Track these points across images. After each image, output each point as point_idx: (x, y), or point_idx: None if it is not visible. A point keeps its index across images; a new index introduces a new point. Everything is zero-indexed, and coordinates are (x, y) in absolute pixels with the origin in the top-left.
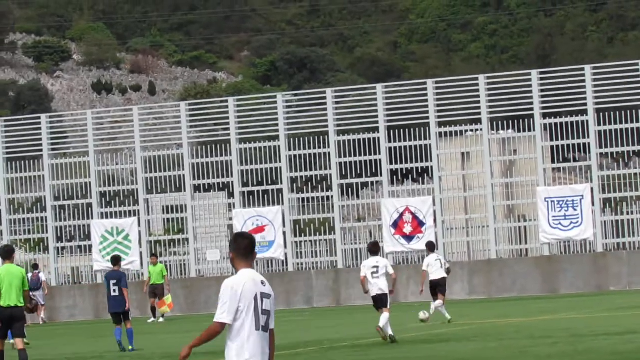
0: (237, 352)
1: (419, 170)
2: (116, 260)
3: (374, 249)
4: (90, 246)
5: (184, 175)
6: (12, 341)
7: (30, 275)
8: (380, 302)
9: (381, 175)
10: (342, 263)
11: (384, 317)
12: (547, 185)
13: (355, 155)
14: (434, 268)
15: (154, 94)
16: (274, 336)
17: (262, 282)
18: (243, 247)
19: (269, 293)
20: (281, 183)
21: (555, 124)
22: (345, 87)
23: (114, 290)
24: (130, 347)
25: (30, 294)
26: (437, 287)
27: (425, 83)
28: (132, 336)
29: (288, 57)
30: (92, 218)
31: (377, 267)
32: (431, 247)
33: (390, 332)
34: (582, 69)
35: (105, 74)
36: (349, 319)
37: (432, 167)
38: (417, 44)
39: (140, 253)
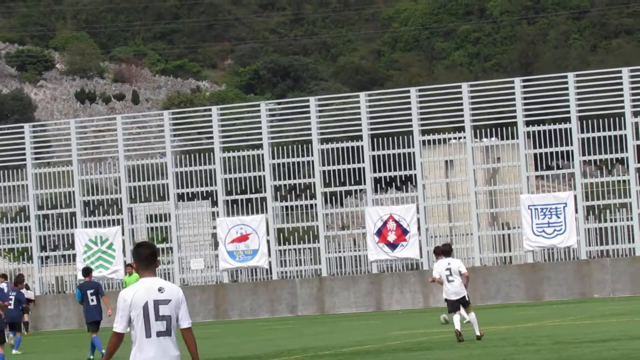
0: (132, 357)
1: (403, 178)
2: (87, 272)
3: (447, 249)
4: (74, 255)
5: (167, 184)
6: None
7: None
8: (456, 306)
9: (365, 184)
10: (326, 271)
11: (457, 319)
12: (531, 192)
13: (339, 164)
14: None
15: (137, 102)
16: (190, 334)
17: (160, 289)
18: (144, 257)
19: (167, 299)
20: (265, 191)
21: (539, 131)
22: (329, 95)
23: (92, 300)
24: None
25: None
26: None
27: (408, 91)
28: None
29: (271, 65)
30: (76, 227)
31: (450, 268)
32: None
33: (477, 332)
34: (565, 77)
35: (89, 83)
36: (333, 327)
37: (415, 175)
38: (401, 52)
39: (125, 262)
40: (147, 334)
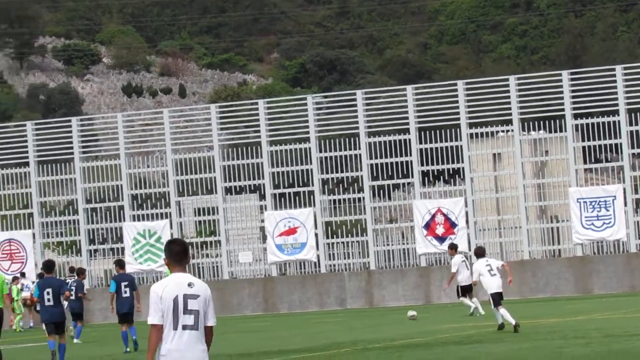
0: (160, 350)
1: (451, 172)
2: (121, 264)
3: (481, 251)
4: (123, 248)
5: (215, 178)
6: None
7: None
8: (499, 299)
9: (413, 177)
10: (374, 264)
11: (506, 311)
12: (579, 186)
13: (386, 157)
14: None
15: (184, 96)
16: (211, 333)
17: (190, 284)
18: (175, 253)
19: (196, 294)
20: (312, 185)
21: (587, 124)
22: (376, 88)
23: (125, 292)
24: (128, 349)
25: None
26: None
27: (455, 84)
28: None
29: (318, 59)
30: (124, 220)
31: (490, 265)
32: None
33: (513, 320)
34: (613, 69)
35: (135, 76)
36: (382, 320)
37: (463, 168)
38: (447, 45)
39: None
40: (174, 327)
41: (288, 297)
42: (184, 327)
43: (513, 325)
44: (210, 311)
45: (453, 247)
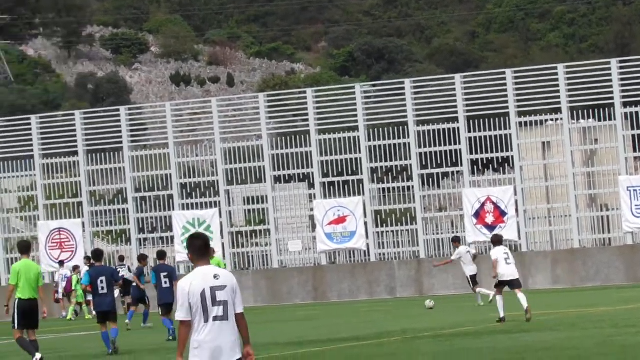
0: (192, 343)
1: (500, 160)
2: (162, 255)
3: (499, 239)
4: (172, 237)
5: (264, 167)
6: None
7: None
8: (515, 284)
9: (462, 165)
10: (424, 253)
11: (523, 297)
12: (629, 174)
13: (435, 145)
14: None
15: (232, 85)
16: (243, 319)
17: (215, 276)
18: (198, 247)
19: (223, 285)
20: (361, 173)
21: (636, 112)
22: (424, 77)
23: (165, 282)
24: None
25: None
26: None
27: (504, 73)
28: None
29: (366, 47)
30: (174, 209)
31: (507, 253)
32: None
33: (526, 304)
34: None
35: (184, 65)
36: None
37: (512, 156)
38: (495, 34)
39: (222, 244)
40: (205, 319)
41: (338, 286)
42: (215, 319)
43: (525, 309)
44: (238, 299)
45: (457, 240)
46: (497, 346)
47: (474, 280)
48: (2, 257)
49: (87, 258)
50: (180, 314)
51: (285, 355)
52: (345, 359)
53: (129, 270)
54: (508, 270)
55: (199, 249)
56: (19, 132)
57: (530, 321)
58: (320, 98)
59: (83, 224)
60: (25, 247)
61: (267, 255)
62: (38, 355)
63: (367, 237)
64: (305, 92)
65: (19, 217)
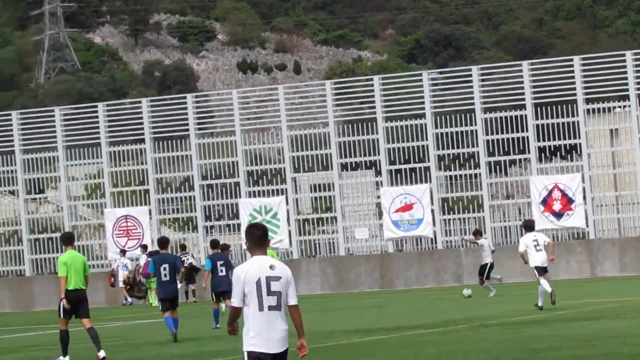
0: (245, 331)
1: (567, 148)
2: (216, 244)
3: (530, 224)
4: (239, 225)
5: (330, 154)
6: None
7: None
8: (543, 270)
9: (529, 153)
10: (491, 240)
11: (546, 282)
12: None
13: (502, 133)
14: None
15: (299, 73)
16: (297, 311)
17: (271, 267)
18: (256, 237)
19: (278, 275)
20: (428, 161)
21: None
22: (491, 64)
23: (221, 271)
24: (218, 325)
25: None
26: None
27: (571, 60)
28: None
29: (433, 35)
30: (240, 197)
31: (537, 240)
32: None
33: (549, 288)
34: None
35: (250, 53)
36: (499, 297)
37: (580, 144)
38: (563, 21)
39: (289, 232)
40: (259, 308)
41: (405, 274)
42: (269, 308)
43: (549, 293)
44: (291, 291)
45: (478, 233)
46: (566, 334)
47: (484, 270)
48: None
49: (143, 247)
50: (234, 300)
51: (355, 342)
52: (412, 347)
53: (193, 258)
54: (538, 257)
55: (258, 238)
56: (86, 119)
57: (555, 304)
58: (387, 85)
59: (150, 211)
60: (69, 239)
61: (333, 242)
62: (102, 353)
63: (434, 224)
64: (372, 80)
65: (85, 205)
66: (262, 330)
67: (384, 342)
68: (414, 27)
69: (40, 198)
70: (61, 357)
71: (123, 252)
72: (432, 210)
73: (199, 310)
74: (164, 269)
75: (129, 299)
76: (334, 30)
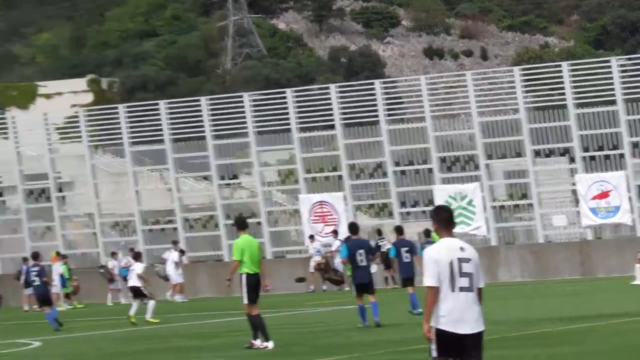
0: (439, 311)
1: None
2: (401, 230)
3: None
4: None
5: (522, 141)
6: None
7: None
8: None
9: None
10: None
11: None
12: None
13: None
14: None
15: (486, 59)
16: (480, 293)
17: (461, 248)
18: (444, 219)
19: (468, 257)
20: (622, 148)
21: None
22: None
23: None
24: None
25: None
26: None
27: None
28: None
29: (619, 21)
30: (434, 183)
31: None
32: None
33: None
34: None
35: (436, 39)
36: None
37: None
38: None
39: (486, 218)
40: (452, 289)
41: (605, 261)
42: (461, 289)
43: None
44: (480, 274)
45: None
46: None
47: None
48: (266, 230)
49: (334, 232)
50: (429, 280)
51: (560, 330)
52: (617, 335)
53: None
54: None
55: (446, 220)
56: (275, 105)
57: None
58: (576, 72)
59: (344, 197)
60: (244, 223)
61: (531, 229)
62: (271, 344)
63: (632, 212)
64: (560, 66)
65: (279, 191)
66: (454, 311)
67: (590, 329)
68: (599, 12)
69: (234, 183)
70: (264, 342)
71: (312, 237)
72: (630, 198)
73: (398, 297)
74: (360, 254)
75: (324, 287)
76: (517, 17)
